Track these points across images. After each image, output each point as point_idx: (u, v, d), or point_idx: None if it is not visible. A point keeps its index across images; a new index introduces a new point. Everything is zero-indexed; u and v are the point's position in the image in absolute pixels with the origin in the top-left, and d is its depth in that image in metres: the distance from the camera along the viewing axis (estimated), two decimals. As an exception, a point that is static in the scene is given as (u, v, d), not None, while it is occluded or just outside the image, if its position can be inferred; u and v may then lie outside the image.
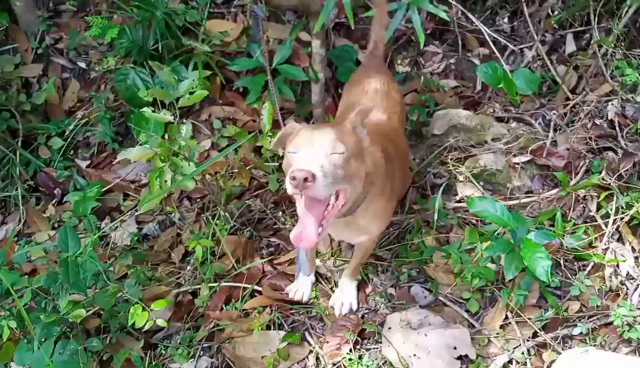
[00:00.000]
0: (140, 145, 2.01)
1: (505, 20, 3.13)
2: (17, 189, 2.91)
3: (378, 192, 1.73)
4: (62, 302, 1.85)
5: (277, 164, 2.87)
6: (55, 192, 2.95)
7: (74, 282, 1.80)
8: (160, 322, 1.76)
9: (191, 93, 2.17)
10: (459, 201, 2.46)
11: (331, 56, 3.07)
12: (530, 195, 2.43)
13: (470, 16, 2.88)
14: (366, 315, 2.17)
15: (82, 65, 3.30)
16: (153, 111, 2.11)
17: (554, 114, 2.67)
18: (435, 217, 2.19)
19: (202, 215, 2.76)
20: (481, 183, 2.49)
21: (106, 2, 3.37)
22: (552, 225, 2.29)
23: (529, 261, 1.88)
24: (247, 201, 2.77)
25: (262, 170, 2.87)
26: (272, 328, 2.16)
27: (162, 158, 2.03)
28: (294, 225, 2.56)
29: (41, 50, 3.30)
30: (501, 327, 2.09)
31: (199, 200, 2.85)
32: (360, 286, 2.25)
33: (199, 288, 2.32)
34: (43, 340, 1.83)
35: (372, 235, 1.92)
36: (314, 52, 2.85)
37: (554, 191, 2.39)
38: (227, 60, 3.13)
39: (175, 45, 3.07)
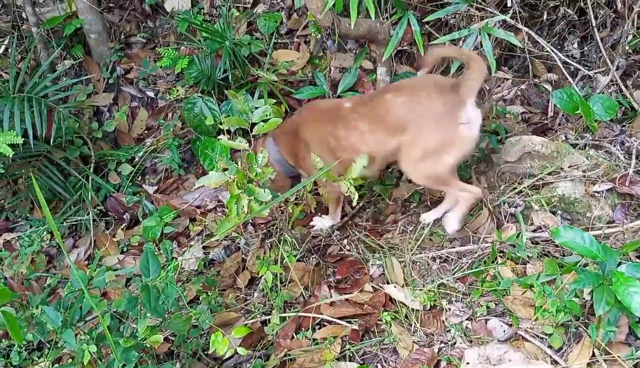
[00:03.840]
0: (220, 171, 2.03)
1: (575, 45, 3.06)
2: (88, 214, 3.01)
3: None
4: (141, 327, 1.86)
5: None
6: (125, 216, 3.03)
7: (154, 307, 1.82)
8: (241, 351, 1.74)
9: (264, 121, 2.21)
10: (535, 230, 2.36)
11: (394, 83, 3.06)
12: (613, 225, 2.31)
13: (541, 41, 2.82)
14: (442, 349, 2.09)
15: (151, 94, 3.42)
16: (229, 139, 2.15)
17: (634, 140, 2.55)
18: (524, 253, 2.13)
19: (267, 241, 2.77)
20: (559, 212, 2.39)
21: (174, 34, 3.51)
22: (638, 257, 2.16)
23: (622, 296, 1.77)
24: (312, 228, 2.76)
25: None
26: (345, 359, 2.10)
27: (239, 185, 2.05)
28: (359, 253, 2.56)
29: (112, 80, 3.45)
30: (588, 365, 1.96)
31: (262, 226, 2.86)
32: (434, 313, 2.18)
33: (268, 316, 2.30)
34: (122, 365, 1.84)
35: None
36: (379, 79, 2.86)
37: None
38: (291, 89, 3.18)
39: (242, 74, 3.14)
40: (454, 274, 2.29)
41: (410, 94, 2.27)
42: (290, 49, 3.38)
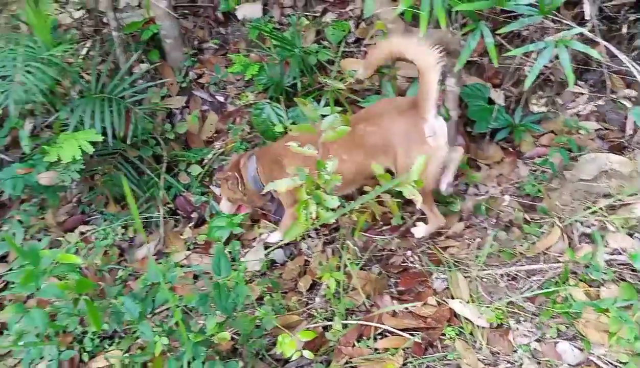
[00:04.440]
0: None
1: (657, 60, 2.91)
2: (159, 211, 3.13)
3: None
4: (210, 323, 1.92)
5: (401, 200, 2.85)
6: (192, 215, 3.14)
7: (225, 305, 1.87)
8: (307, 354, 1.77)
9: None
10: (611, 253, 2.26)
11: (462, 94, 3.02)
12: (698, 251, 2.18)
13: (620, 55, 2.70)
14: (508, 370, 2.04)
15: (221, 99, 3.53)
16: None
17: None
18: (598, 275, 2.04)
19: (328, 247, 2.80)
20: (637, 235, 2.28)
21: (245, 41, 3.61)
22: None
23: None
24: (374, 236, 2.77)
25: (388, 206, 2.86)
26: (406, 372, 2.09)
27: (308, 191, 2.08)
28: (423, 266, 2.54)
29: (185, 84, 3.57)
30: (666, 398, 1.86)
31: (324, 229, 2.88)
32: (501, 332, 2.13)
33: (330, 321, 2.32)
34: (191, 358, 1.90)
35: None
36: (448, 90, 2.83)
37: None
38: (357, 97, 3.20)
39: (309, 82, 3.19)
40: (522, 293, 2.23)
41: (377, 123, 2.46)
42: (357, 58, 3.40)
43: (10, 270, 3.21)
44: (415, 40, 2.29)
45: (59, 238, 3.14)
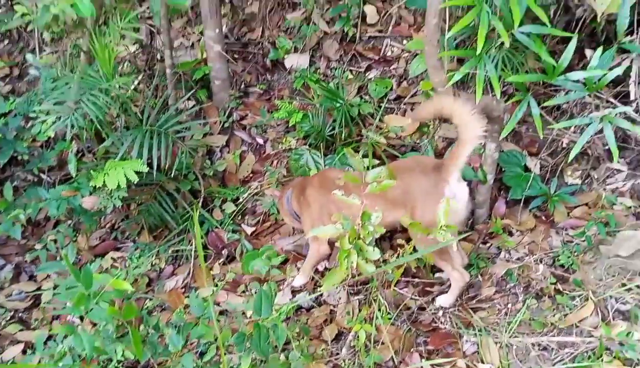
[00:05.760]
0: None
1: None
2: (190, 244, 3.19)
3: None
4: (245, 363, 1.93)
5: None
6: (223, 252, 3.18)
7: (262, 346, 1.89)
8: (343, 405, 1.77)
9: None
10: (647, 333, 2.25)
11: (499, 160, 3.08)
12: None
13: (661, 137, 2.77)
14: None
15: (260, 141, 3.63)
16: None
17: None
18: (635, 354, 2.03)
19: (354, 297, 2.80)
20: (674, 317, 2.27)
21: (289, 89, 3.75)
22: None
23: None
24: (401, 290, 2.77)
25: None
26: None
27: (350, 240, 2.12)
28: (454, 327, 2.53)
29: (227, 124, 3.70)
30: None
31: (349, 280, 2.90)
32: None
33: (357, 374, 2.31)
34: (223, 398, 1.91)
35: None
36: (487, 154, 2.90)
37: None
38: (394, 152, 3.28)
39: (349, 133, 3.29)
40: (554, 364, 2.21)
41: (399, 177, 2.42)
42: (397, 114, 3.50)
43: (39, 288, 3.27)
44: (467, 107, 2.37)
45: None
